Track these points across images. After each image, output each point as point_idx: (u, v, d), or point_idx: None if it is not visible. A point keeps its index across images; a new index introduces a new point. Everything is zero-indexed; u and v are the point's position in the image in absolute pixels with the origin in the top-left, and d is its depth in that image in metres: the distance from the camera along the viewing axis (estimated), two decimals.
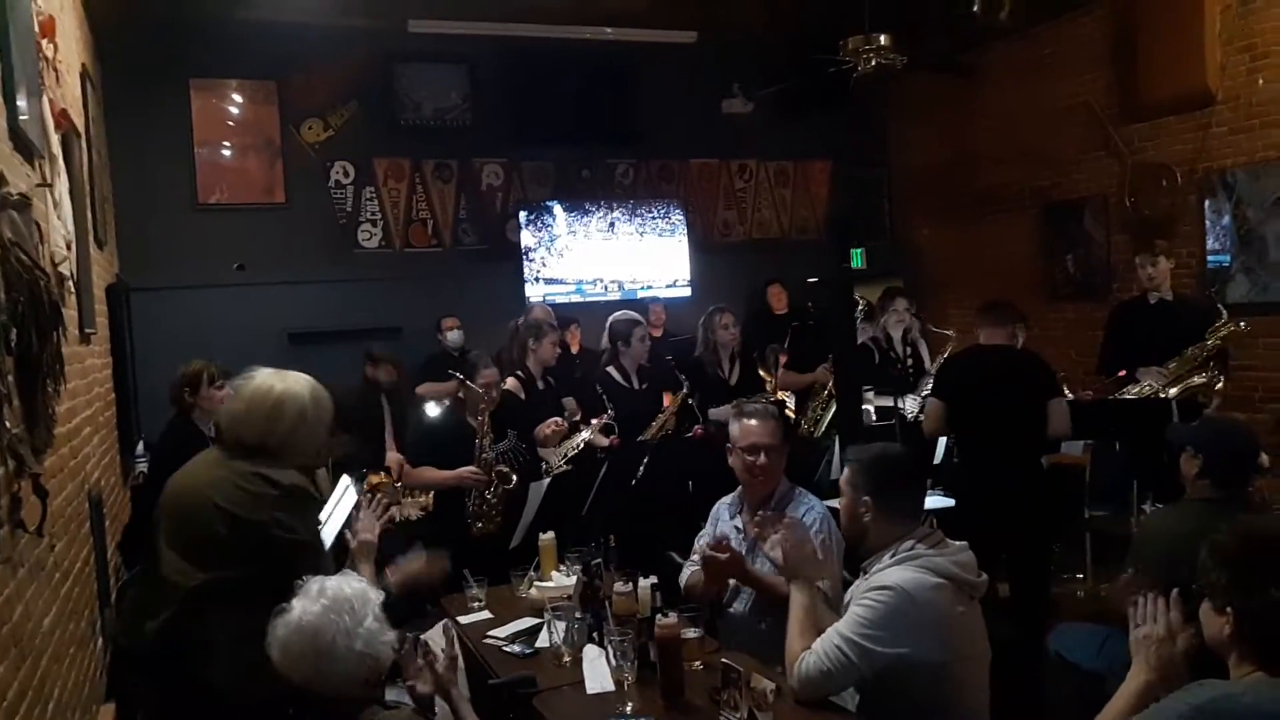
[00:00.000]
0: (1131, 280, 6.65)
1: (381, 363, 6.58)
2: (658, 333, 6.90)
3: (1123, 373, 5.61)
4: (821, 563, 2.88)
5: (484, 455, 4.46)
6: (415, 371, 7.01)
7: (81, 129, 4.52)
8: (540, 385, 5.32)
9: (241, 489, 2.59)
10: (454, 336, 7.17)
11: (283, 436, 2.70)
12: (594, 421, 5.19)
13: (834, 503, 2.96)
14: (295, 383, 2.79)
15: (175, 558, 2.57)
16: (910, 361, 6.04)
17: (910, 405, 5.73)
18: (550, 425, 4.92)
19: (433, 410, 4.86)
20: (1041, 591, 4.50)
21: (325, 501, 2.82)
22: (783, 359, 6.36)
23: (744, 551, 3.19)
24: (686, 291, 8.68)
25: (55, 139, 3.53)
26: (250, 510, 2.57)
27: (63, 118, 3.76)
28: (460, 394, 4.56)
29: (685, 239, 8.73)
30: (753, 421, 3.29)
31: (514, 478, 4.44)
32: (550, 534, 3.85)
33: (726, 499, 3.51)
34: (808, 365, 5.96)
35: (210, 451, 2.79)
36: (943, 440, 5.24)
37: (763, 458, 3.26)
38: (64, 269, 3.44)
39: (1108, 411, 5.29)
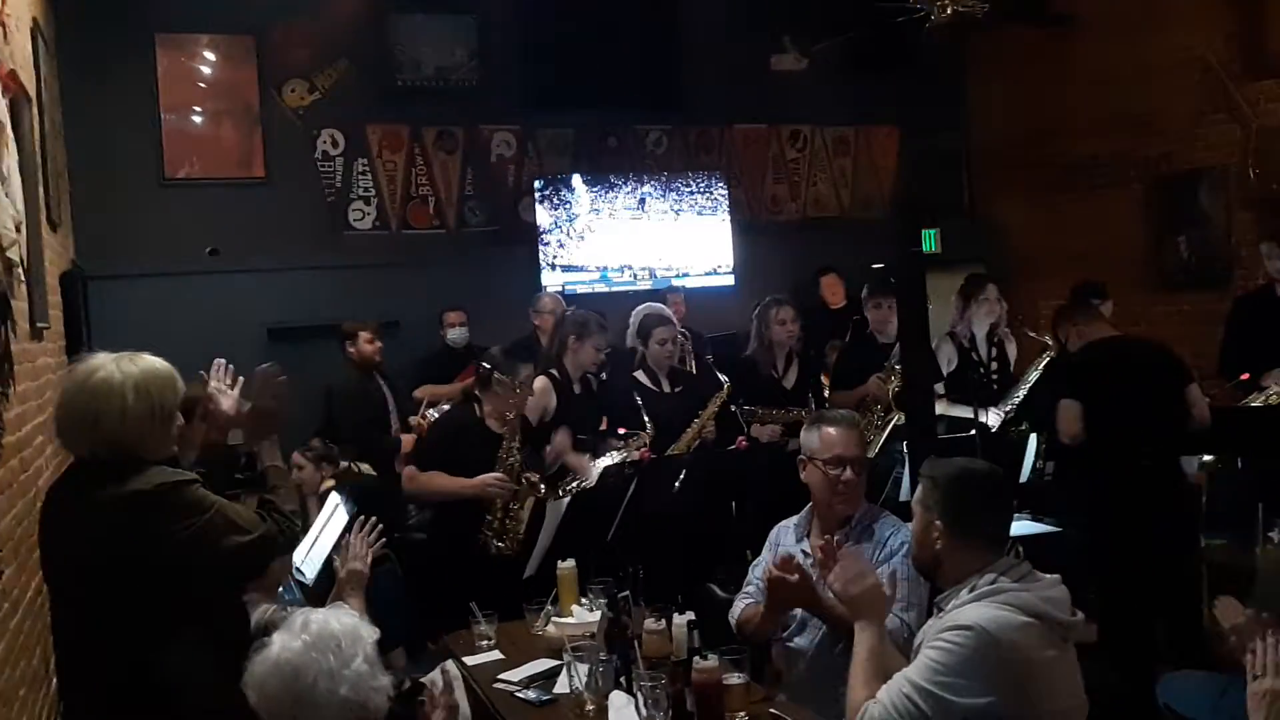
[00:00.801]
0: (1256, 267, 6.56)
1: (358, 334, 6.61)
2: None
3: (1246, 376, 5.54)
4: (888, 599, 2.86)
5: (511, 460, 4.49)
6: (412, 371, 7.07)
7: (32, 93, 4.58)
8: (577, 389, 5.36)
9: (115, 528, 2.45)
10: (457, 333, 7.21)
11: (111, 437, 2.53)
12: (631, 435, 5.21)
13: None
14: (109, 371, 2.58)
15: (106, 626, 2.51)
16: (995, 366, 6.02)
17: (993, 419, 5.70)
18: (561, 441, 4.95)
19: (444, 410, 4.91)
20: (1182, 629, 4.57)
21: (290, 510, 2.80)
22: (824, 378, 6.34)
23: (814, 578, 3.20)
24: (728, 280, 8.68)
25: (2, 104, 3.57)
26: (143, 545, 2.46)
27: (10, 80, 3.81)
28: (482, 391, 4.60)
29: (728, 218, 8.73)
30: (835, 430, 3.32)
31: (544, 487, 4.48)
32: (570, 562, 3.86)
33: (790, 521, 3.51)
34: (856, 375, 5.95)
35: (66, 488, 2.60)
36: (1029, 455, 5.19)
37: (848, 472, 3.29)
38: (12, 254, 3.49)
39: (1229, 422, 5.25)
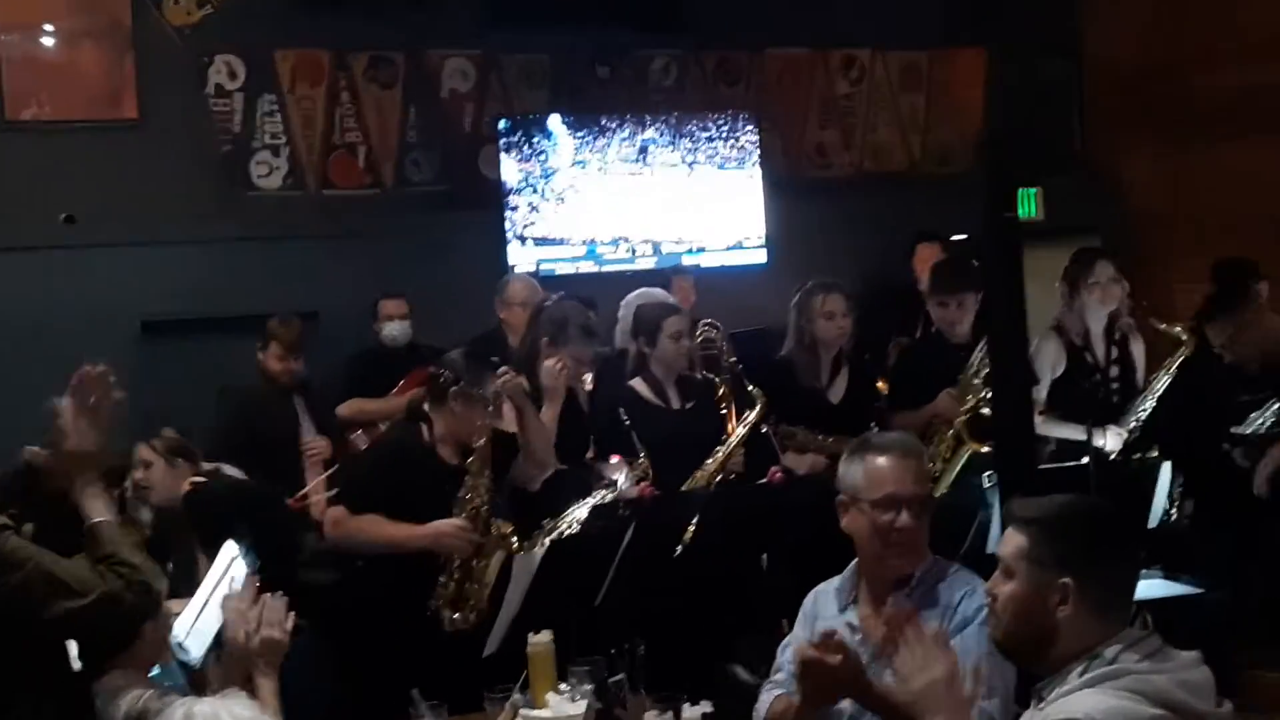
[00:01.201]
0: None
1: (276, 340, 6.57)
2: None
3: None
4: (967, 698, 2.85)
5: (476, 503, 4.49)
6: (335, 380, 7.07)
7: None
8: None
9: None
10: (396, 329, 7.20)
11: None
12: (615, 466, 5.21)
13: None
14: None
15: None
16: (1116, 370, 6.01)
17: (1112, 441, 5.69)
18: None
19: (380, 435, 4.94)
20: None
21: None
22: (881, 385, 6.34)
23: (865, 660, 3.19)
24: (759, 256, 8.67)
25: None
26: None
27: None
28: (434, 407, 4.61)
29: (758, 174, 8.71)
30: (886, 460, 3.32)
31: (515, 541, 4.49)
32: (546, 635, 3.85)
33: (830, 584, 3.50)
34: (919, 386, 5.95)
35: None
36: (1160, 492, 5.19)
37: (905, 516, 3.27)
38: None
39: None
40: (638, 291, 6.51)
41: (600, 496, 5.11)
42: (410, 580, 4.55)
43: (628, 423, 5.32)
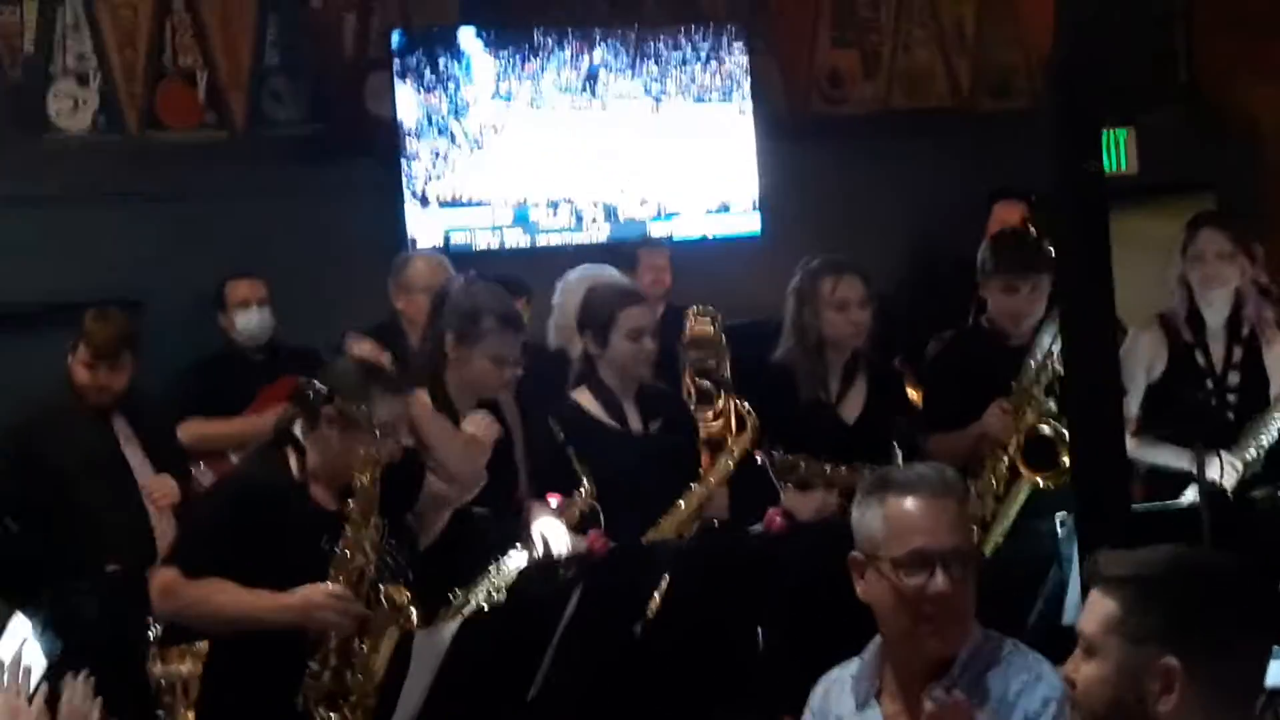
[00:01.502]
0: None
1: (85, 341, 6.48)
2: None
3: None
4: None
5: (359, 562, 4.48)
6: (172, 390, 7.07)
7: None
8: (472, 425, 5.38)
9: None
10: (252, 320, 7.18)
11: None
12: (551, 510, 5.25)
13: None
14: None
15: None
16: (1237, 378, 6.05)
17: (1228, 475, 5.70)
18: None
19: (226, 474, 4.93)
20: None
21: None
22: (914, 393, 6.36)
23: None
24: (752, 223, 8.74)
25: None
26: None
27: None
28: (307, 429, 4.60)
29: (749, 110, 8.77)
30: (913, 502, 3.33)
31: (415, 615, 4.46)
32: None
33: (845, 671, 3.52)
34: (962, 399, 5.97)
35: None
36: None
37: (939, 579, 3.27)
38: None
39: None
40: (581, 269, 6.51)
41: (534, 552, 5.12)
42: (272, 668, 4.52)
43: (571, 451, 5.32)
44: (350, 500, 4.54)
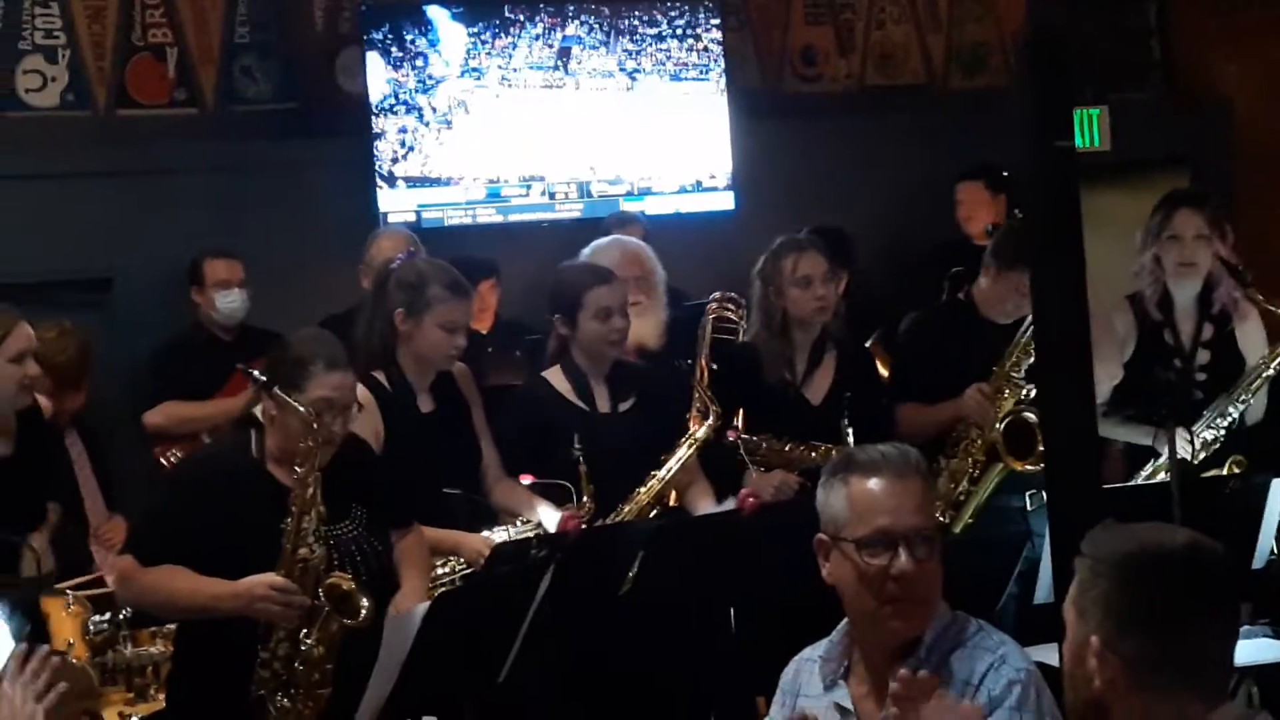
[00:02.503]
0: None
1: (50, 370, 5.90)
2: (645, 295, 6.85)
3: None
4: None
5: (303, 552, 4.48)
6: (136, 373, 7.04)
7: None
8: (426, 404, 5.39)
9: None
10: (233, 301, 7.16)
11: None
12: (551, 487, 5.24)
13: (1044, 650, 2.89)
14: None
15: None
16: (1208, 356, 6.07)
17: (1183, 449, 5.70)
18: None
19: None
20: None
21: None
22: (885, 370, 6.34)
23: None
24: (726, 201, 8.74)
25: None
26: None
27: None
28: (266, 411, 4.59)
29: (724, 87, 8.76)
30: (877, 482, 3.34)
31: (364, 604, 4.44)
32: None
33: (814, 651, 3.52)
34: (940, 376, 5.97)
35: None
36: (1270, 519, 5.25)
37: (903, 559, 3.28)
38: None
39: None
40: (610, 239, 6.46)
41: (507, 529, 5.13)
42: (233, 653, 4.50)
43: (522, 420, 5.34)
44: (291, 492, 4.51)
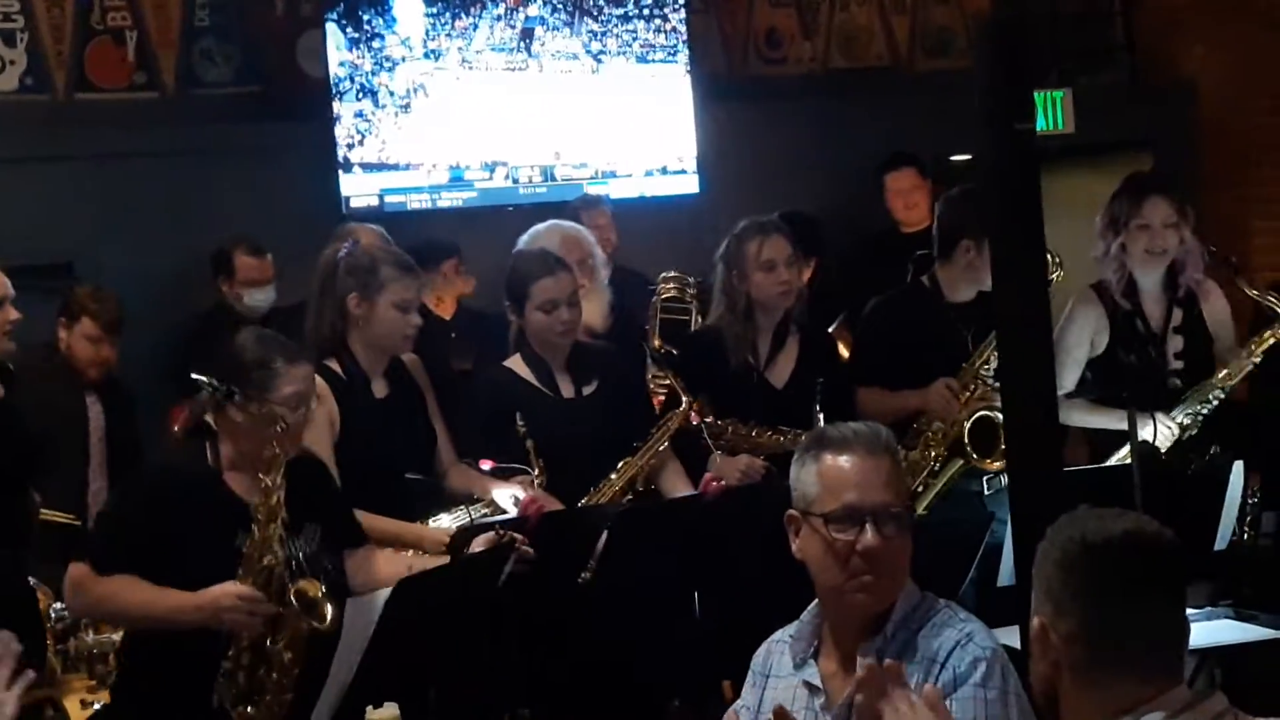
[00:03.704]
0: None
1: (84, 315, 6.66)
2: (587, 279, 6.85)
3: None
4: None
5: (267, 560, 4.45)
6: (173, 347, 7.09)
7: None
8: (380, 390, 5.38)
9: None
10: (267, 299, 7.28)
11: None
12: (511, 471, 5.24)
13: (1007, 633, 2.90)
14: None
15: None
16: (1180, 338, 6.09)
17: (1163, 433, 5.77)
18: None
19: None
20: None
21: None
22: (842, 347, 6.36)
23: None
24: (690, 185, 8.74)
25: None
26: None
27: None
28: (217, 420, 4.56)
29: (688, 71, 8.76)
30: (846, 459, 3.38)
31: (329, 610, 4.41)
32: (391, 709, 3.85)
33: (786, 632, 3.55)
34: (903, 360, 5.99)
35: None
36: (1231, 503, 5.28)
37: (869, 535, 3.31)
38: None
39: None
40: (548, 224, 6.47)
41: (468, 513, 5.12)
42: (185, 671, 4.47)
43: (521, 423, 5.32)
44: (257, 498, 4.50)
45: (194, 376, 4.58)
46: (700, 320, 6.56)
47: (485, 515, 5.20)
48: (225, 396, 4.47)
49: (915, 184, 8.16)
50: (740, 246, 5.88)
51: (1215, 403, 5.97)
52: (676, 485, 5.56)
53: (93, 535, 4.95)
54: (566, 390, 5.60)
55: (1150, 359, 6.00)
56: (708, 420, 5.77)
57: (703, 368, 5.87)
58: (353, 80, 8.15)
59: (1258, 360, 5.97)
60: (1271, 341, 5.93)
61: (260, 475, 4.41)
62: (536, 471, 5.28)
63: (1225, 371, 6.00)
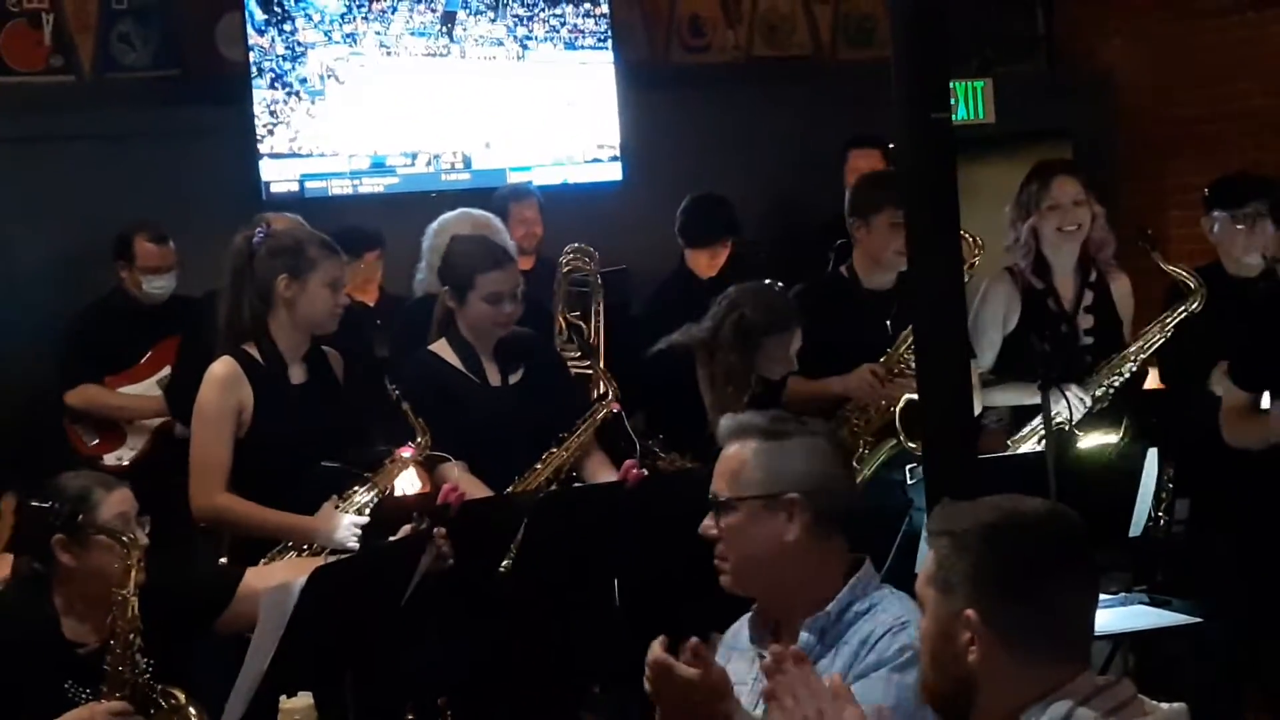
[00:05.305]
0: None
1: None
2: (526, 264, 6.86)
3: None
4: None
5: (126, 675, 4.22)
6: (67, 337, 7.07)
7: None
8: (298, 374, 5.37)
9: None
10: (159, 286, 7.10)
11: None
12: (399, 454, 5.25)
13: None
14: None
15: None
16: (1091, 321, 6.17)
17: (1076, 406, 5.83)
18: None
19: None
20: None
21: None
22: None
23: (756, 704, 3.25)
24: (614, 173, 8.77)
25: None
26: None
27: None
28: (45, 563, 4.34)
29: (612, 59, 8.78)
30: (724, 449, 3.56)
31: (193, 712, 4.21)
32: (305, 699, 3.83)
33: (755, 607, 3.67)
34: (819, 355, 6.03)
35: None
36: (1145, 489, 5.35)
37: (708, 522, 3.55)
38: None
39: None
40: (454, 215, 6.47)
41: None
42: None
43: (404, 404, 5.27)
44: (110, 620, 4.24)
45: (24, 505, 4.45)
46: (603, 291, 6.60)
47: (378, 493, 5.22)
48: (69, 519, 4.25)
49: (876, 166, 8.17)
50: None
51: (1128, 375, 6.06)
52: (600, 474, 5.57)
53: None
54: (494, 378, 5.60)
55: (1061, 335, 6.05)
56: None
57: (633, 355, 5.97)
58: (261, 67, 8.08)
59: (1169, 335, 6.03)
60: (1183, 315, 5.99)
61: (113, 590, 4.20)
62: (421, 438, 5.25)
63: (1139, 343, 6.09)
